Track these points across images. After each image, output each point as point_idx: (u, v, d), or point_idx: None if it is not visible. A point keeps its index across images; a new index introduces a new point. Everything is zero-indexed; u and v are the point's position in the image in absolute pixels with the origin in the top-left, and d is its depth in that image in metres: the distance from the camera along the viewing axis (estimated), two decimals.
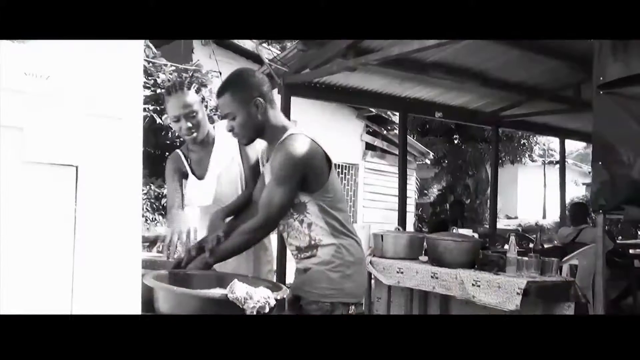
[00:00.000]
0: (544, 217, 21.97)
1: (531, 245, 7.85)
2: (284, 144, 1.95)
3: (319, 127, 11.44)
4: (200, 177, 2.45)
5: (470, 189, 21.94)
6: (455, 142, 20.21)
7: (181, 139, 3.89)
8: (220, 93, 1.99)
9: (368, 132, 12.14)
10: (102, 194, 1.15)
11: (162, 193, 7.26)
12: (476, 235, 4.09)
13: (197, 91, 2.33)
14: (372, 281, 4.30)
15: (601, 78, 2.91)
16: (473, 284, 3.36)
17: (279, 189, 1.92)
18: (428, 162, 14.27)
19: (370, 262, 4.09)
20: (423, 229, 21.02)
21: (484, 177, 21.70)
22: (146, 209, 7.15)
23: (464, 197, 22.20)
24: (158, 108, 7.28)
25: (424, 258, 3.88)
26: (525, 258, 3.33)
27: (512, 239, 3.40)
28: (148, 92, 7.22)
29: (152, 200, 7.22)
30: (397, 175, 6.93)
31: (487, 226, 19.32)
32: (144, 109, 7.23)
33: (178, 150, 2.53)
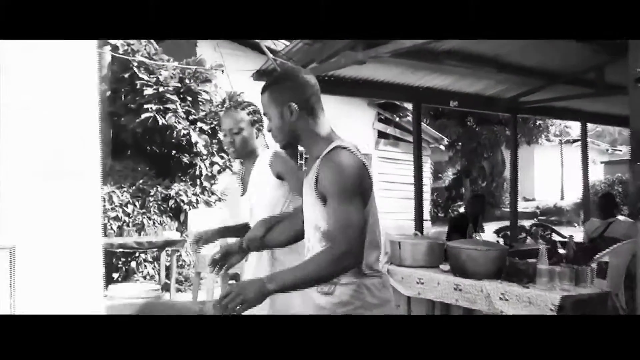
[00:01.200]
0: (562, 198, 21.53)
1: (555, 237, 7.60)
2: (331, 158, 1.74)
3: (330, 117, 11.21)
4: (242, 193, 2.60)
5: (486, 171, 21.56)
6: (469, 124, 19.81)
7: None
8: (262, 90, 1.88)
9: (380, 120, 11.83)
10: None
11: (170, 194, 7.05)
12: (501, 241, 3.81)
13: (251, 113, 2.53)
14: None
15: (638, 70, 2.65)
16: (500, 298, 3.09)
17: (349, 206, 1.68)
18: (442, 147, 13.89)
19: (388, 271, 3.83)
20: (439, 214, 20.79)
21: (499, 159, 21.31)
22: (154, 211, 6.94)
23: (480, 179, 21.87)
24: (162, 107, 7.04)
25: (445, 266, 3.61)
26: (558, 268, 3.05)
27: (543, 249, 3.12)
28: (150, 90, 6.98)
29: (160, 202, 7.00)
30: (412, 163, 6.63)
31: (504, 209, 19.01)
32: (147, 109, 6.98)
33: (242, 168, 2.69)
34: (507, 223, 7.72)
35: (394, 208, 11.70)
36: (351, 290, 1.74)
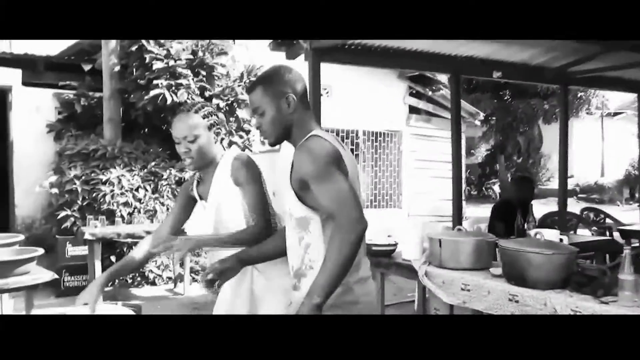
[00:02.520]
0: (602, 175, 20.44)
1: (608, 221, 6.85)
2: (305, 144, 1.81)
3: (356, 93, 10.59)
4: (203, 203, 2.36)
5: (522, 147, 20.61)
6: (505, 98, 18.83)
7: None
8: (251, 88, 1.92)
9: (411, 94, 11.07)
10: None
11: (184, 178, 6.54)
12: (565, 240, 3.16)
13: (207, 116, 2.24)
14: (426, 290, 3.45)
15: None
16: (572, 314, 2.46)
17: (333, 182, 1.71)
18: (477, 123, 13.07)
19: (426, 274, 3.22)
20: (472, 192, 19.98)
21: (536, 134, 20.35)
22: (167, 196, 6.43)
23: (515, 156, 20.92)
24: (173, 83, 6.47)
25: (496, 270, 2.98)
26: None
27: (627, 253, 2.45)
28: (160, 65, 6.40)
29: (174, 187, 6.49)
30: (446, 140, 5.95)
31: (541, 187, 18.12)
32: (158, 85, 6.43)
33: (197, 173, 2.40)
34: (550, 207, 7.02)
35: (427, 188, 11.02)
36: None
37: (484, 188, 20.07)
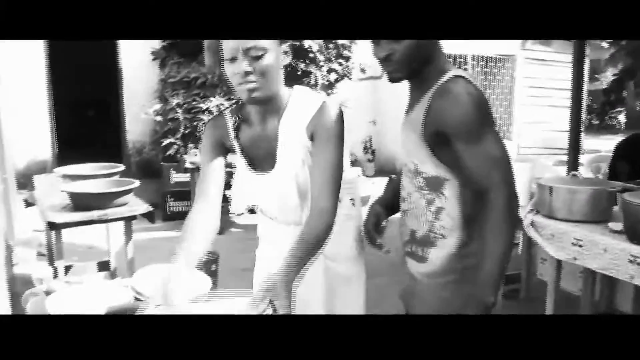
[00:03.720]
0: None
1: None
2: (450, 88, 1.45)
3: None
4: (259, 168, 1.61)
5: None
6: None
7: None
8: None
9: None
10: None
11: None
12: None
13: None
14: (531, 241, 3.13)
15: None
16: None
17: (488, 142, 1.45)
18: (605, 44, 11.73)
19: (532, 223, 2.91)
20: (592, 121, 18.36)
21: None
22: None
23: None
24: None
25: (616, 225, 2.60)
26: None
27: None
28: None
29: None
30: (566, 65, 5.27)
31: None
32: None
33: (226, 112, 1.64)
34: None
35: (541, 117, 10.20)
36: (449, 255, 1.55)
37: (607, 117, 18.39)
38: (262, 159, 1.59)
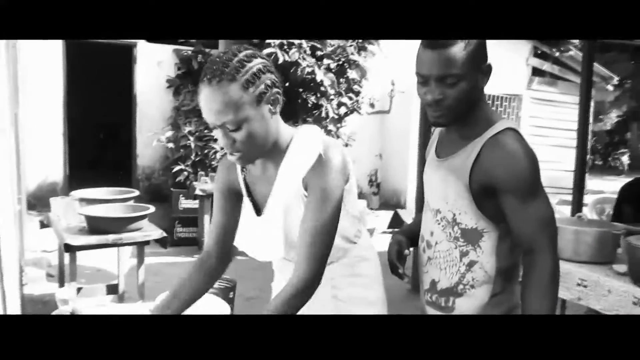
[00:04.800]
0: None
1: None
2: (507, 142, 1.42)
3: None
4: (258, 211, 1.56)
5: None
6: None
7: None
8: (448, 43, 1.36)
9: (536, 55, 10.27)
10: None
11: None
12: None
13: (251, 82, 1.29)
14: None
15: None
16: None
17: (538, 201, 1.43)
18: (610, 87, 11.92)
19: None
20: (596, 162, 18.49)
21: None
22: None
23: None
24: (285, 42, 6.43)
25: (620, 267, 2.67)
26: None
27: None
28: None
29: None
30: (572, 106, 5.41)
31: None
32: (270, 44, 6.41)
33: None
34: None
35: (545, 156, 10.31)
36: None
37: (610, 158, 18.50)
38: (262, 202, 1.55)
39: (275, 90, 1.38)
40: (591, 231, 2.84)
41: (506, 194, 1.41)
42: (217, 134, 1.37)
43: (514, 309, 1.54)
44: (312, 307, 1.44)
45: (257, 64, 1.34)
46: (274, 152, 1.46)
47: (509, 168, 1.38)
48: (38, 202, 7.11)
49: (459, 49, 1.36)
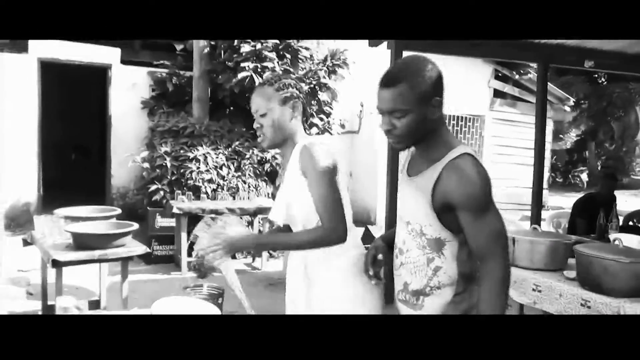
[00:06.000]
0: None
1: None
2: (461, 166, 1.63)
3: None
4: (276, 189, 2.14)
5: (615, 134, 19.47)
6: (599, 81, 17.80)
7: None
8: (391, 82, 1.62)
9: (497, 78, 10.76)
10: None
11: (265, 157, 6.79)
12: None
13: (281, 88, 1.98)
14: None
15: None
16: None
17: (489, 215, 1.65)
18: (567, 108, 12.50)
19: None
20: (557, 179, 19.19)
21: (632, 120, 19.13)
22: (249, 174, 6.71)
23: (607, 142, 19.81)
24: (259, 66, 6.68)
25: (570, 273, 2.96)
26: None
27: None
28: (248, 48, 6.63)
29: (255, 166, 6.76)
30: (530, 126, 5.76)
31: (635, 177, 17.06)
32: (245, 67, 6.66)
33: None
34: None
35: (507, 174, 10.75)
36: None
37: (570, 176, 19.23)
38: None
39: (297, 100, 1.98)
40: (544, 241, 3.14)
41: (462, 210, 1.62)
42: (255, 123, 2.00)
43: (474, 307, 1.75)
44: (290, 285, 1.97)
45: (289, 80, 1.99)
46: (290, 144, 2.00)
47: (464, 190, 1.60)
48: (12, 222, 7.13)
49: (406, 87, 1.60)
